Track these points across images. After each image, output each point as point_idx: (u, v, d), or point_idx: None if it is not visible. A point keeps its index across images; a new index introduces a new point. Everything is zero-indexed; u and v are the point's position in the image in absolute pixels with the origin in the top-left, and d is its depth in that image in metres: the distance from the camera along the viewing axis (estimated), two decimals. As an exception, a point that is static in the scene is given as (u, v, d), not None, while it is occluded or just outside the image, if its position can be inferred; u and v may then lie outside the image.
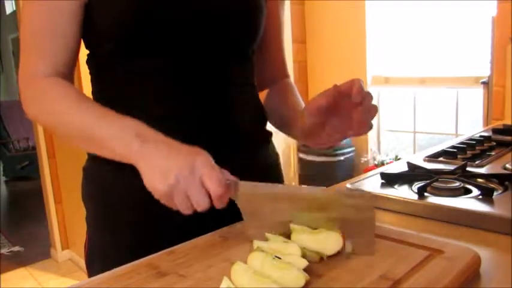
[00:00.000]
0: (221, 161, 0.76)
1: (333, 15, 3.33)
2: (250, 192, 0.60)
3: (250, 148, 0.79)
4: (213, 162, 0.58)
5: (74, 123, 0.65)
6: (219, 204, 0.57)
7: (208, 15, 0.72)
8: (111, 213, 0.76)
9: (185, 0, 0.70)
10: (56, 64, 0.70)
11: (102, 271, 0.56)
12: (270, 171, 0.86)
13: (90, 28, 0.72)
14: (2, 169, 5.59)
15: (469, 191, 0.79)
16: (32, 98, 0.70)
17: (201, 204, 0.56)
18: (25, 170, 5.28)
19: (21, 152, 5.35)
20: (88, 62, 0.77)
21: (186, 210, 0.57)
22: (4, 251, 3.18)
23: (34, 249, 3.16)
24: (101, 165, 0.76)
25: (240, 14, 0.75)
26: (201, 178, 0.56)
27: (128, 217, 0.74)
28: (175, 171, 0.55)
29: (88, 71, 0.78)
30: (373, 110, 0.65)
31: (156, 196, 0.58)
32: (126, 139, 0.60)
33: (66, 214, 2.93)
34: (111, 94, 0.74)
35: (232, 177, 0.60)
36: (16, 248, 3.21)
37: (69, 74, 0.72)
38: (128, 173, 0.74)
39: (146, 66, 0.71)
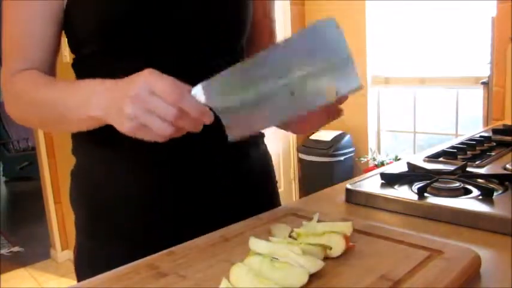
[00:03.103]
0: (211, 161, 0.75)
1: (333, 15, 3.32)
2: (219, 87, 0.57)
3: (241, 148, 0.79)
4: (156, 73, 0.54)
5: (44, 104, 0.66)
6: (191, 110, 0.53)
7: (194, 13, 0.71)
8: (102, 220, 0.74)
9: None
10: (32, 64, 0.69)
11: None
12: (261, 172, 0.86)
13: (71, 31, 0.72)
14: (1, 169, 5.58)
15: (469, 192, 0.79)
16: (8, 98, 0.70)
17: (166, 112, 0.52)
18: (25, 170, 5.27)
19: (21, 153, 5.35)
20: (73, 65, 0.76)
21: (163, 128, 0.53)
22: (4, 251, 3.18)
23: (34, 250, 3.16)
24: (92, 169, 0.75)
25: (226, 12, 0.74)
26: (150, 91, 0.53)
27: (120, 224, 0.73)
28: (125, 103, 0.53)
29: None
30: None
31: (129, 133, 0.55)
32: (84, 101, 0.59)
33: (66, 214, 2.93)
34: None
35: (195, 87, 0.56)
36: (16, 249, 3.21)
37: (47, 74, 0.71)
38: (121, 178, 0.73)
39: (132, 67, 0.70)
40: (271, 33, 0.88)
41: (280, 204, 0.87)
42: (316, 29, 0.56)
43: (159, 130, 0.54)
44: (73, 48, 0.74)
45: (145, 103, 0.53)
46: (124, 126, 0.55)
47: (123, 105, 0.54)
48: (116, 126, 0.57)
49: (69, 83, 0.66)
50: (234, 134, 0.58)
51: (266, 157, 0.88)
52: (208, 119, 0.55)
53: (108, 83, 0.59)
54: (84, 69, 0.74)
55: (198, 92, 0.55)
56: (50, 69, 0.72)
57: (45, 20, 0.69)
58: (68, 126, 0.68)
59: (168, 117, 0.53)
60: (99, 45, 0.70)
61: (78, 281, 0.71)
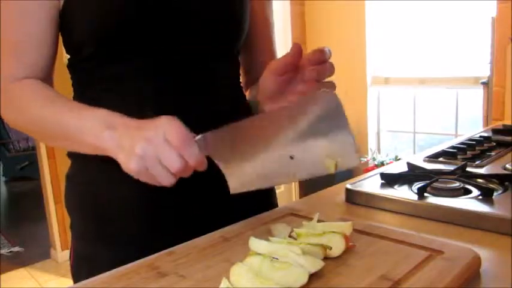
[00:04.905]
0: (210, 163, 0.75)
1: (333, 15, 3.34)
2: (221, 141, 0.59)
3: None
4: (175, 121, 0.56)
5: (47, 122, 0.65)
6: (191, 160, 0.55)
7: (190, 14, 0.70)
8: (104, 223, 0.73)
9: (166, 0, 0.69)
10: (30, 67, 0.69)
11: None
12: None
13: (68, 34, 0.71)
14: (1, 169, 5.58)
15: (469, 192, 0.79)
16: (5, 103, 0.69)
17: (172, 162, 0.54)
18: (25, 170, 5.27)
19: (21, 153, 5.35)
20: (69, 67, 0.75)
21: (166, 178, 0.56)
22: (4, 251, 3.18)
23: (34, 250, 3.16)
24: (90, 172, 0.75)
25: (222, 13, 0.74)
26: (164, 138, 0.55)
27: (122, 230, 0.72)
28: (140, 142, 0.55)
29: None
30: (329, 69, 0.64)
31: (137, 177, 0.57)
32: (97, 131, 0.60)
33: (66, 214, 2.91)
34: (92, 98, 0.72)
35: (199, 136, 0.58)
36: (16, 248, 3.21)
37: (45, 76, 0.71)
38: (122, 182, 0.73)
39: (127, 69, 0.70)
40: (270, 37, 0.88)
41: (277, 204, 0.87)
42: (318, 101, 0.57)
43: (162, 180, 0.56)
44: (69, 49, 0.73)
45: (157, 148, 0.55)
46: (131, 165, 0.56)
47: (136, 144, 0.55)
48: (121, 163, 0.58)
49: (78, 105, 0.66)
50: (234, 187, 0.61)
51: None
52: (203, 169, 0.58)
53: (129, 120, 0.60)
54: (80, 71, 0.73)
55: (200, 141, 0.57)
56: (48, 74, 0.72)
57: (40, 20, 0.68)
58: (66, 145, 0.69)
59: (173, 168, 0.55)
60: (99, 47, 0.69)
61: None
